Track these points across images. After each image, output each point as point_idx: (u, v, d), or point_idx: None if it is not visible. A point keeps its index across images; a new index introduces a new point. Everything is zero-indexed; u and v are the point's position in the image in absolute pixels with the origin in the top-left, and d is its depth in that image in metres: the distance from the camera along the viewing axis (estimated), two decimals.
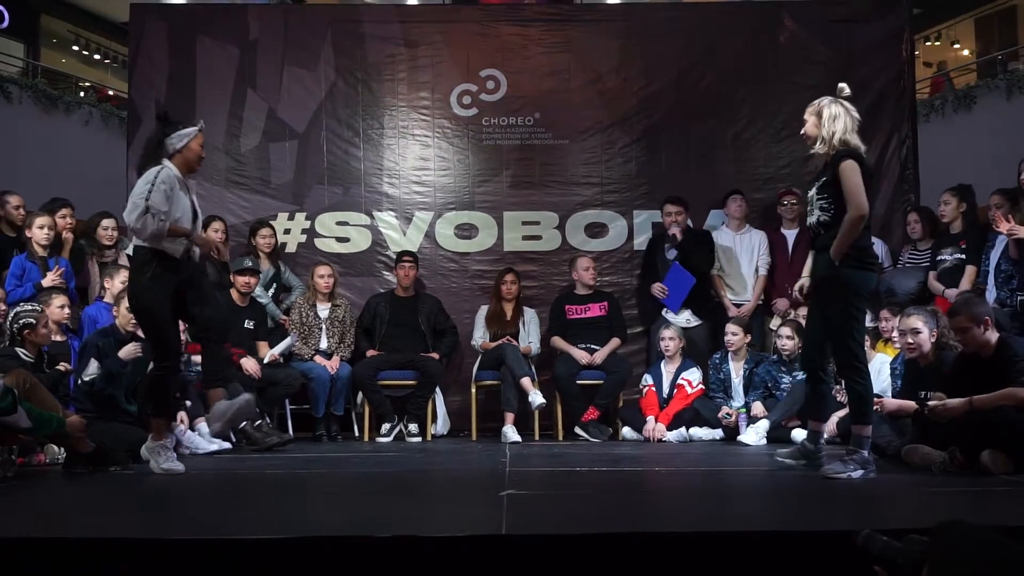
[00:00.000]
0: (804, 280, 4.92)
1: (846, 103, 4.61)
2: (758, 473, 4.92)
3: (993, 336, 4.66)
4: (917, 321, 5.13)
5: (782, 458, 4.96)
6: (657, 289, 7.40)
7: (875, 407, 5.17)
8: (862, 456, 4.46)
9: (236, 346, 6.76)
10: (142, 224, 4.61)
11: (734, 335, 6.89)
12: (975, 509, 3.63)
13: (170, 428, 5.03)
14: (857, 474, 4.40)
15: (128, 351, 5.53)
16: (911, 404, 4.96)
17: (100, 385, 5.36)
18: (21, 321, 5.52)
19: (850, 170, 4.44)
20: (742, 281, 7.43)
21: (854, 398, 4.59)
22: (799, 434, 6.32)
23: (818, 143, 4.61)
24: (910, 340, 5.14)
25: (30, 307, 5.65)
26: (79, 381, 5.41)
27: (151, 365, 5.55)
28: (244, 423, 6.03)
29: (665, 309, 7.37)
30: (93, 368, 5.39)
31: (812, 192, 4.65)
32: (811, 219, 4.66)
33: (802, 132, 4.72)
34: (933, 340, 5.13)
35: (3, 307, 5.86)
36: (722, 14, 9.42)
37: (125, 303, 5.54)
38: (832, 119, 4.56)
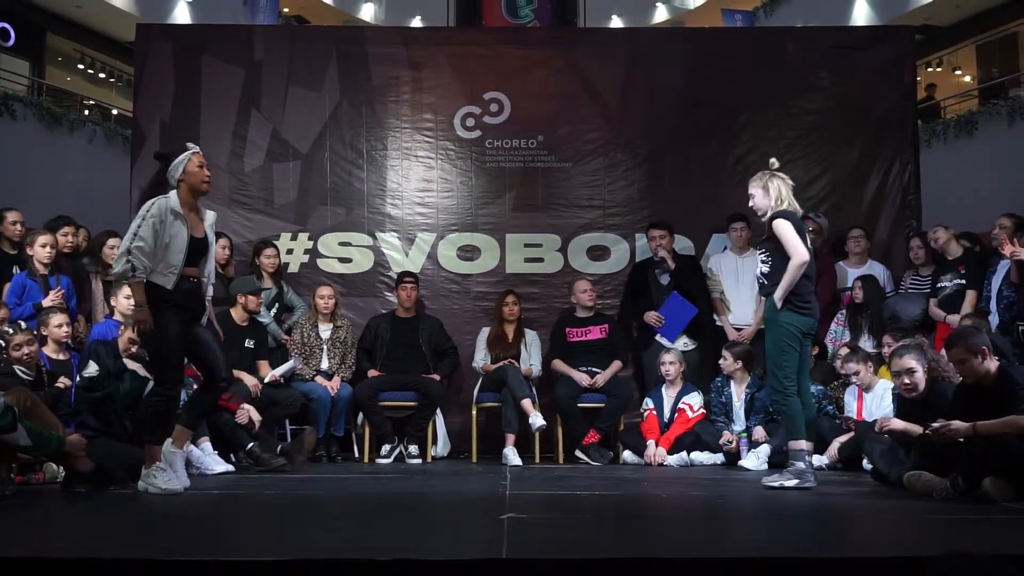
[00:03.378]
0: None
1: (781, 175, 5.34)
2: (759, 498, 4.90)
3: (992, 365, 4.65)
4: (911, 360, 5.14)
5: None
6: (653, 318, 7.36)
7: (879, 427, 5.25)
8: (797, 468, 5.01)
9: (236, 366, 6.74)
10: (119, 268, 4.75)
11: (724, 360, 6.87)
12: (977, 536, 3.61)
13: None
14: (791, 483, 4.94)
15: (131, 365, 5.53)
16: (916, 428, 4.95)
17: (98, 382, 5.33)
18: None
19: (782, 226, 5.13)
20: (747, 305, 7.40)
21: (786, 419, 5.20)
22: None
23: (769, 212, 5.26)
24: (906, 381, 5.15)
25: (5, 328, 5.65)
26: (78, 378, 5.38)
27: (149, 385, 5.58)
28: (252, 444, 6.13)
29: (659, 335, 7.35)
30: (92, 368, 5.39)
31: (759, 249, 5.37)
32: (757, 272, 5.37)
33: (752, 207, 5.39)
34: (926, 374, 5.13)
35: (6, 327, 5.86)
36: (725, 39, 9.54)
37: (129, 334, 5.54)
38: (777, 190, 5.26)
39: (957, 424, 4.54)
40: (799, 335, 5.13)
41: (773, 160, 5.43)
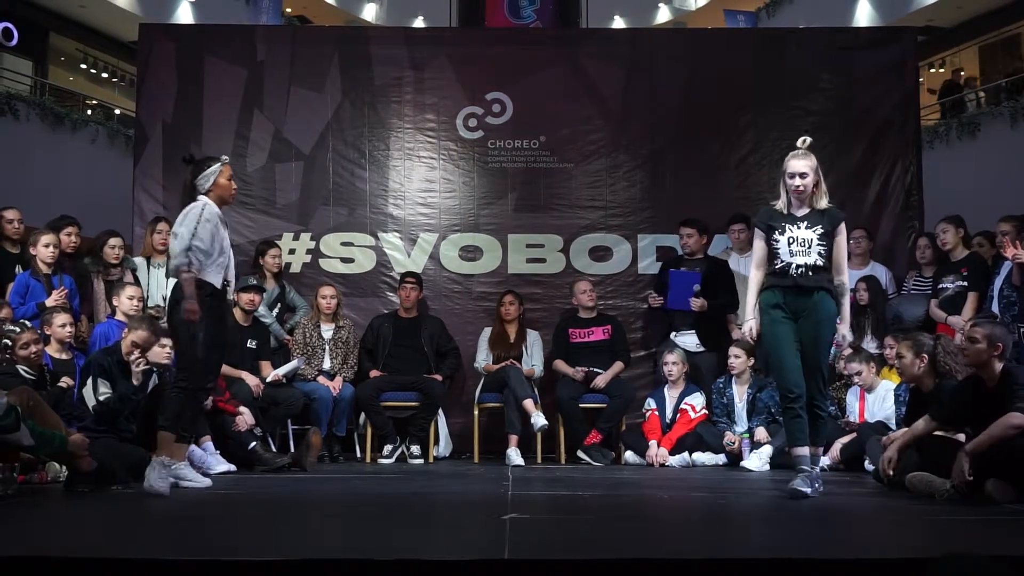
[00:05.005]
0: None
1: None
2: (761, 499, 4.90)
3: (998, 366, 4.65)
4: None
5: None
6: (653, 300, 7.43)
7: (882, 472, 5.17)
8: (816, 472, 4.85)
9: (238, 366, 6.76)
10: (178, 261, 4.80)
11: (736, 358, 6.87)
12: (978, 538, 3.61)
13: (182, 450, 5.05)
14: (816, 488, 4.74)
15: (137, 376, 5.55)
16: (911, 431, 4.99)
17: (116, 406, 5.37)
18: (1, 341, 5.53)
19: (844, 234, 4.99)
20: (746, 305, 7.40)
21: (824, 423, 4.97)
22: None
23: (824, 198, 4.93)
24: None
25: (9, 327, 5.65)
26: (96, 400, 5.39)
27: (153, 381, 5.59)
28: (254, 444, 6.16)
29: (674, 333, 7.36)
30: (104, 388, 5.40)
31: (809, 235, 4.88)
32: (807, 260, 4.86)
33: (801, 186, 4.89)
34: (923, 366, 5.18)
35: (10, 326, 5.87)
36: (727, 40, 9.54)
37: (132, 337, 5.54)
38: (823, 177, 4.96)
39: (962, 470, 4.45)
40: None
41: (806, 139, 5.02)
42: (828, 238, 4.88)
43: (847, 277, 4.99)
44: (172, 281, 5.16)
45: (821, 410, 4.93)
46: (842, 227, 4.96)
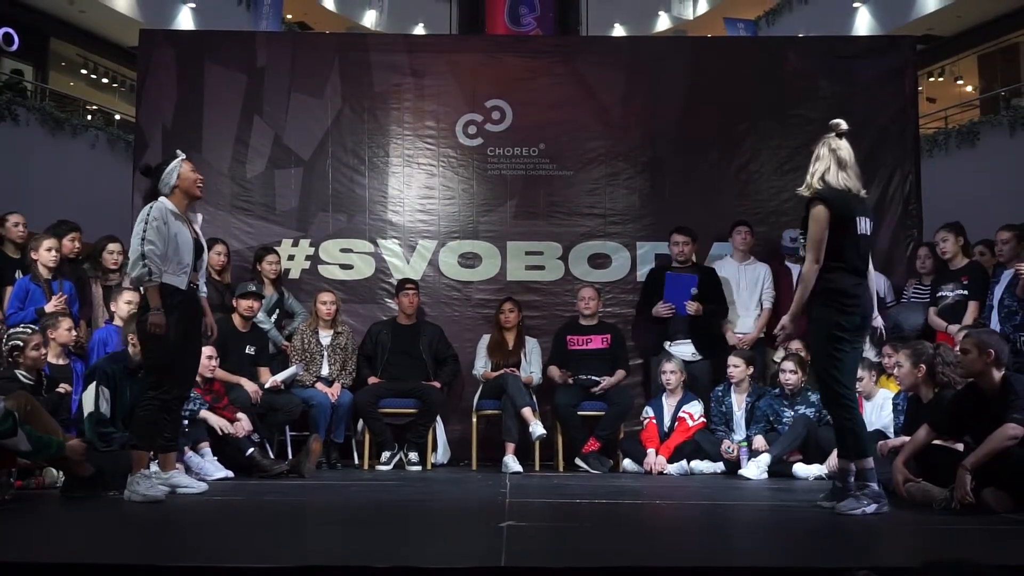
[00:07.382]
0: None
1: (835, 141, 4.70)
2: (759, 507, 4.90)
3: (997, 374, 4.65)
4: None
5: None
6: (663, 309, 7.34)
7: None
8: (873, 490, 4.45)
9: (236, 372, 6.76)
10: (136, 272, 4.77)
11: (735, 367, 6.87)
12: (976, 547, 3.61)
13: (169, 461, 5.05)
14: (871, 508, 4.39)
15: None
16: (910, 438, 4.98)
17: (113, 433, 5.38)
18: (10, 343, 5.53)
19: (814, 217, 4.54)
20: (745, 313, 7.42)
21: (848, 434, 4.56)
22: (800, 468, 6.33)
23: (806, 186, 4.70)
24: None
25: (21, 329, 5.66)
26: (95, 410, 5.38)
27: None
28: (252, 450, 6.14)
29: (668, 342, 7.34)
30: (105, 396, 5.40)
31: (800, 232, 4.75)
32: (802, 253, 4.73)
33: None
34: (920, 375, 5.22)
35: (4, 327, 5.87)
36: (727, 48, 9.54)
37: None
38: (814, 160, 4.69)
39: (964, 486, 4.43)
40: (847, 335, 4.54)
41: (836, 121, 4.75)
42: (805, 225, 4.61)
43: (807, 266, 4.53)
44: None
45: (839, 418, 4.60)
46: (813, 210, 4.54)
